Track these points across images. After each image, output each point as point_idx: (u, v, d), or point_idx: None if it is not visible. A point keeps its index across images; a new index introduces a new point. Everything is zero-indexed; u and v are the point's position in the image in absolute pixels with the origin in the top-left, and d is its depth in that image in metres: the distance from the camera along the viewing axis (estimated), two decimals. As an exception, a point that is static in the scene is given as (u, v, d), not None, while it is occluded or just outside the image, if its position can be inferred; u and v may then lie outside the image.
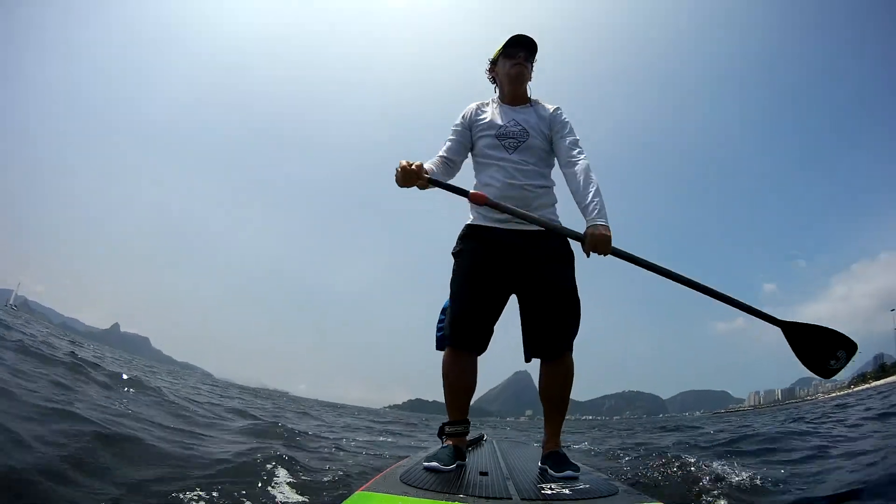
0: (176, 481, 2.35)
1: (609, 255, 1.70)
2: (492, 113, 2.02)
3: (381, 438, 6.24)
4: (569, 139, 1.95)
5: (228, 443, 3.69)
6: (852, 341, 1.58)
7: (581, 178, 1.83)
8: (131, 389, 5.62)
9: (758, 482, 2.66)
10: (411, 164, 1.72)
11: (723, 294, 1.69)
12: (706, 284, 1.69)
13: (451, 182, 1.86)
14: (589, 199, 1.77)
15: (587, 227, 1.73)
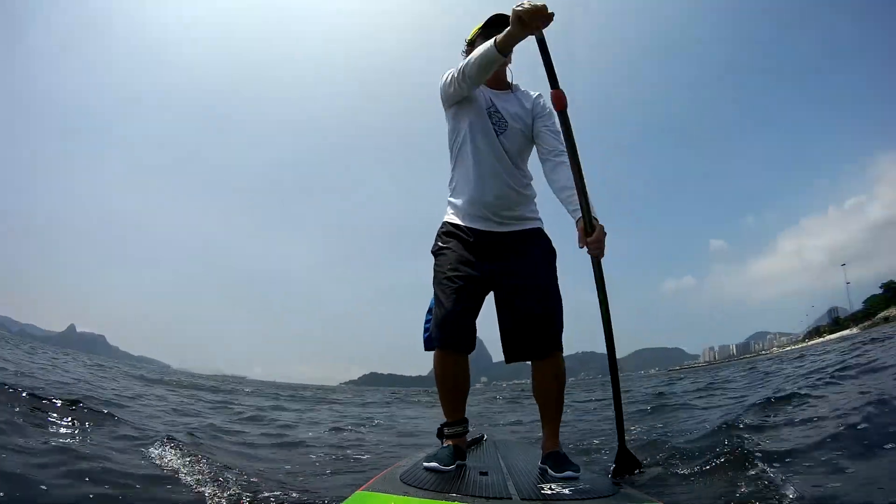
0: (169, 483, 2.35)
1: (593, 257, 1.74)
2: (478, 92, 1.94)
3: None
4: (550, 131, 1.92)
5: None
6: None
7: (569, 173, 1.78)
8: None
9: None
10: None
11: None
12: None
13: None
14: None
15: (594, 221, 1.70)
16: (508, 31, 1.63)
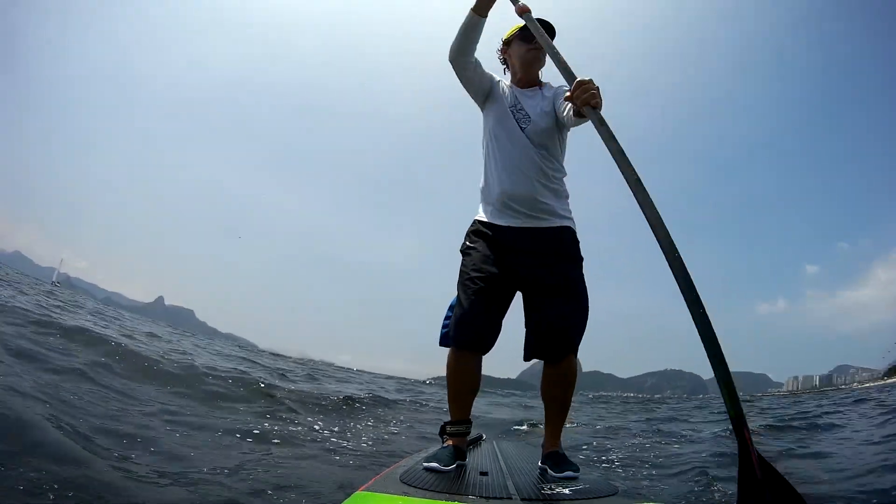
0: (170, 471, 2.35)
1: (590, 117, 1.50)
2: (504, 89, 1.98)
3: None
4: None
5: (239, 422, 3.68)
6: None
7: None
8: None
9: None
10: None
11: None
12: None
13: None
14: None
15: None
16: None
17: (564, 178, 1.94)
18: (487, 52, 2.07)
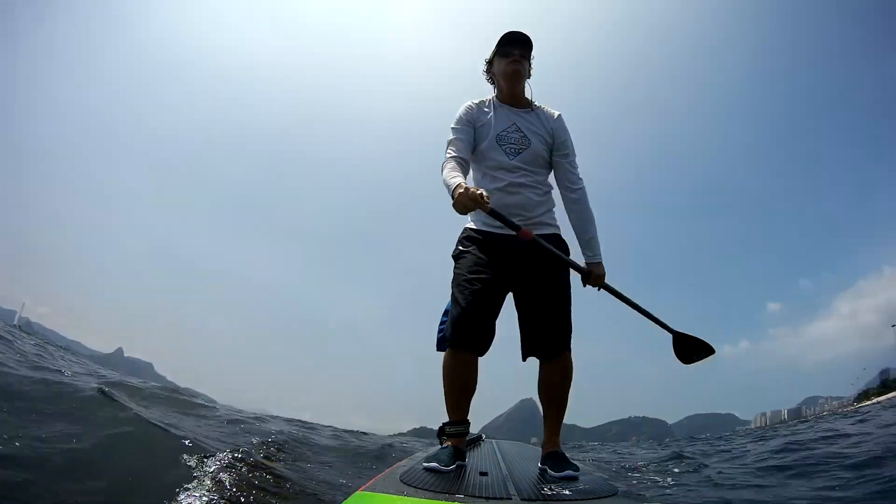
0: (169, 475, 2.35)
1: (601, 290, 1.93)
2: (492, 114, 2.00)
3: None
4: (568, 160, 1.99)
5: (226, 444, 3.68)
6: (712, 348, 2.07)
7: (582, 210, 1.96)
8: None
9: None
10: (473, 190, 1.65)
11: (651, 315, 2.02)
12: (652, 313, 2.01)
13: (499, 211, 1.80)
14: (590, 235, 1.95)
15: (587, 263, 1.93)
16: (456, 201, 1.68)
17: (551, 192, 2.02)
18: (476, 78, 2.12)
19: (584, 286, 1.90)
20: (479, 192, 1.65)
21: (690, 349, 2.06)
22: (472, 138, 1.98)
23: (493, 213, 1.73)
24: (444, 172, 1.82)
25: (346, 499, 1.32)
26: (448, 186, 1.74)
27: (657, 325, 2.02)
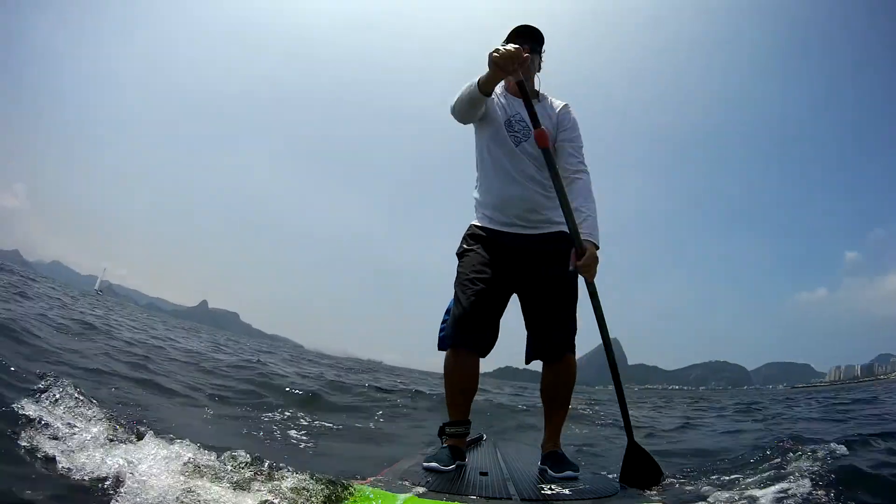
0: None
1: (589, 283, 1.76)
2: (499, 101, 1.96)
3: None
4: (571, 145, 1.91)
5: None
6: (659, 475, 1.84)
7: (582, 197, 1.82)
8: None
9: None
10: (513, 47, 1.62)
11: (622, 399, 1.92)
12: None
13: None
14: (586, 214, 1.78)
15: (585, 244, 1.72)
16: (487, 74, 1.68)
17: None
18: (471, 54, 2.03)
19: (570, 267, 1.71)
20: (516, 46, 1.62)
21: (640, 469, 1.81)
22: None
23: (520, 86, 1.71)
24: (459, 93, 1.82)
25: (346, 499, 1.32)
26: (470, 84, 1.75)
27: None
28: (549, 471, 1.71)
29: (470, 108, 1.84)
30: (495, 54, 1.62)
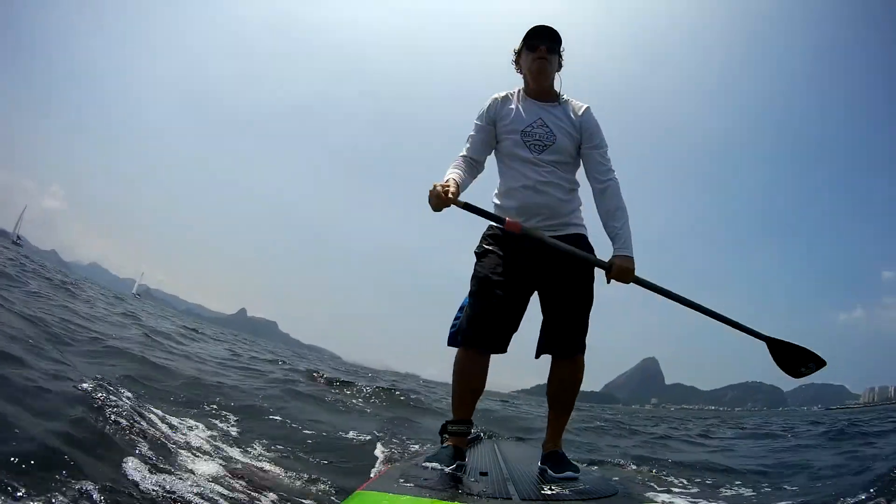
0: (172, 472, 2.35)
1: (631, 284, 1.77)
2: (517, 108, 1.94)
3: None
4: (598, 151, 1.91)
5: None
6: (822, 359, 1.84)
7: (612, 202, 1.85)
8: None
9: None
10: (441, 186, 1.68)
11: (725, 317, 1.84)
12: (718, 311, 1.82)
13: (482, 207, 1.81)
14: (619, 228, 1.82)
15: (613, 256, 1.78)
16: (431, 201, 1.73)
17: (578, 189, 1.97)
18: (506, 65, 2.04)
19: (608, 282, 1.77)
20: (445, 187, 1.69)
21: (795, 359, 1.85)
22: (490, 137, 1.96)
23: (466, 207, 1.73)
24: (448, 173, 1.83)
25: (346, 498, 1.32)
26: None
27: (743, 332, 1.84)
28: (549, 471, 1.71)
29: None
30: (429, 195, 1.70)
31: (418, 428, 5.40)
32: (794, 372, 1.86)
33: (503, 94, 2.00)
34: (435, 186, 1.68)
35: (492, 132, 1.95)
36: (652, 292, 1.79)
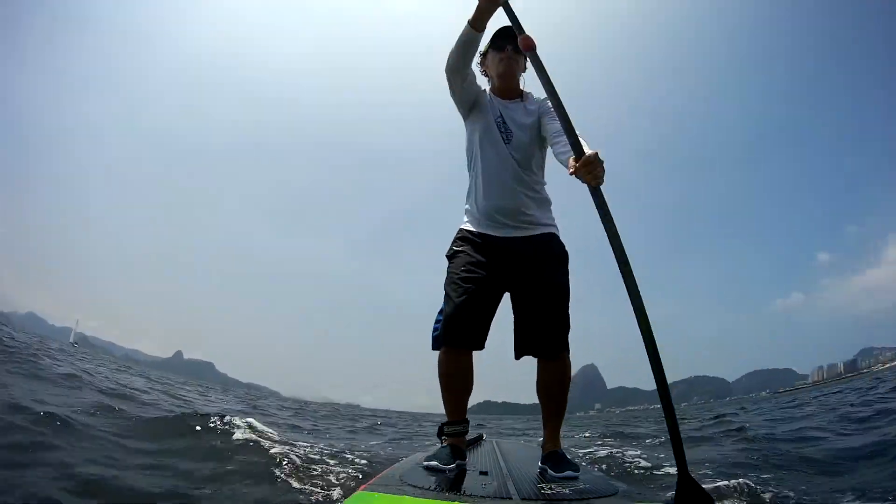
0: (174, 477, 2.35)
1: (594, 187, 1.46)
2: (489, 101, 1.97)
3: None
4: (554, 121, 1.81)
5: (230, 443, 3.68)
6: None
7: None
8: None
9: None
10: None
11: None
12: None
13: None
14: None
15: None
16: (477, 5, 1.69)
17: (546, 187, 1.98)
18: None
19: (570, 171, 1.50)
20: None
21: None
22: (473, 94, 1.94)
23: (506, 6, 1.68)
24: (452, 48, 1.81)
25: (346, 499, 1.32)
26: (462, 33, 1.74)
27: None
28: (549, 470, 1.71)
29: (465, 52, 1.81)
30: None
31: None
32: None
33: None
34: None
35: (475, 90, 1.94)
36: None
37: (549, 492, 1.46)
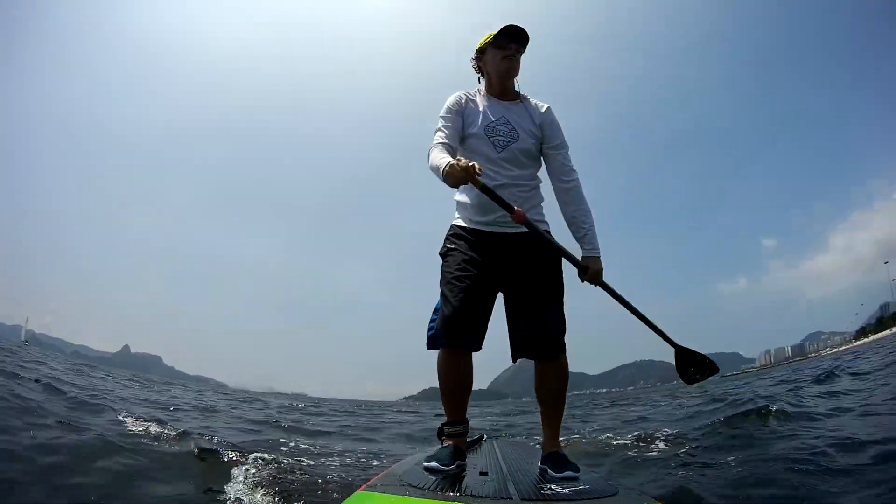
0: (169, 480, 2.35)
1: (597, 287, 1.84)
2: (481, 106, 1.94)
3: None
4: (561, 152, 1.92)
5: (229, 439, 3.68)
6: (716, 366, 2.02)
7: (577, 202, 1.89)
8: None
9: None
10: (465, 162, 1.61)
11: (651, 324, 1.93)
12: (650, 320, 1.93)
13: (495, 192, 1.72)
14: (587, 229, 1.87)
15: (584, 256, 1.85)
16: (444, 180, 1.65)
17: (539, 187, 1.97)
18: (463, 64, 2.03)
19: (582, 281, 1.83)
20: (471, 163, 1.60)
21: (693, 366, 1.98)
22: (460, 127, 1.92)
23: (484, 190, 1.67)
24: (430, 156, 1.76)
25: (346, 499, 1.32)
26: (437, 167, 1.68)
27: (659, 336, 1.93)
28: (549, 471, 1.71)
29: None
30: (448, 169, 1.61)
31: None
32: (688, 379, 2.00)
33: (465, 91, 1.99)
34: (459, 161, 1.61)
35: (460, 122, 1.92)
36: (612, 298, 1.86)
37: (548, 492, 1.46)
